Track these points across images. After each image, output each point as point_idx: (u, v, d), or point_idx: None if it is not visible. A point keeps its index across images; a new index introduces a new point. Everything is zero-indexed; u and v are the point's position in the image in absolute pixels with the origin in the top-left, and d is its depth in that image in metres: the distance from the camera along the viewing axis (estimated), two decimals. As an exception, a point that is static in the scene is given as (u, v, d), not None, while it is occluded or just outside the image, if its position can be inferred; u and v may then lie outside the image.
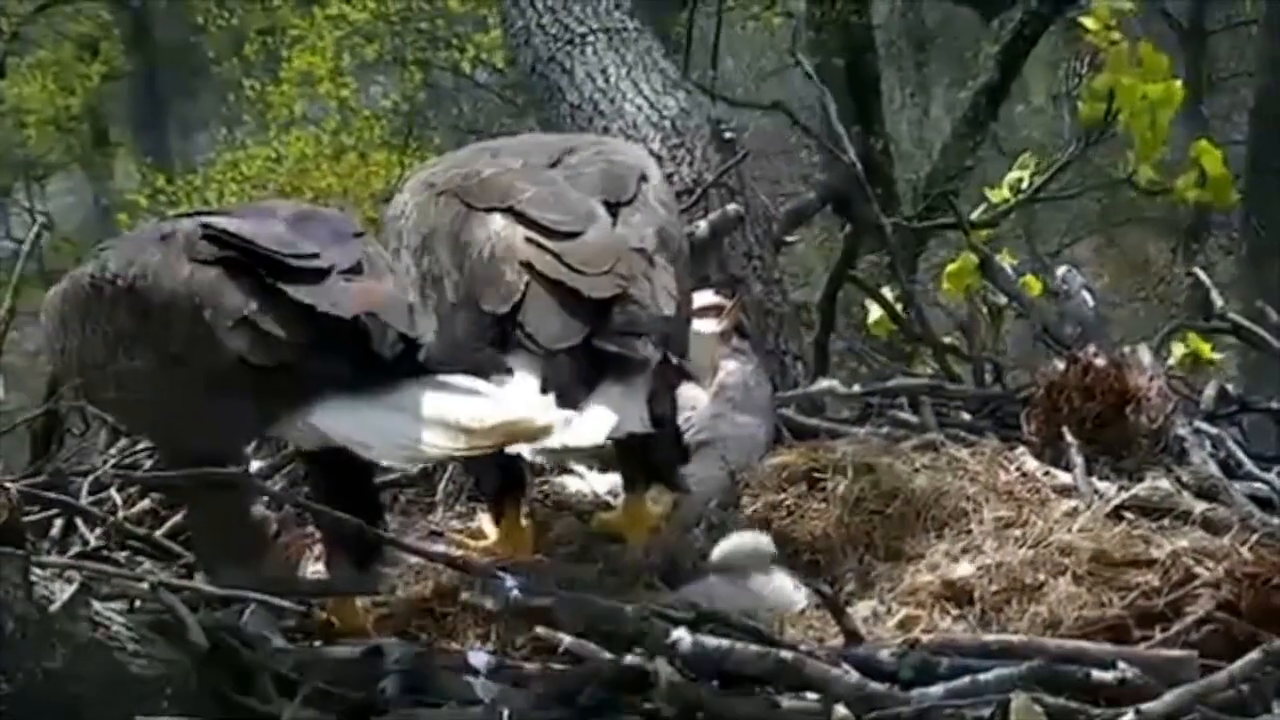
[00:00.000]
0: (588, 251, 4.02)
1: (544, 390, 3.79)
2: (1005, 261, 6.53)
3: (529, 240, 4.04)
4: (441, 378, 3.72)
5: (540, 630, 3.60)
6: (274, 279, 3.77)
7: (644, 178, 4.36)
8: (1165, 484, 4.42)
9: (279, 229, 3.95)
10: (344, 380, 3.71)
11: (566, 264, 3.98)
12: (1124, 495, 4.35)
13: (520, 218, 4.10)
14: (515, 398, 3.71)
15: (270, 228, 3.95)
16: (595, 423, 3.78)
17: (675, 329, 4.11)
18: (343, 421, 3.71)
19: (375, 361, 3.71)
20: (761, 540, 4.12)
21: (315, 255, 3.85)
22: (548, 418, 3.68)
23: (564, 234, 4.06)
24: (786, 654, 3.45)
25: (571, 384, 3.82)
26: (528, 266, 3.98)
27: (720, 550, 4.10)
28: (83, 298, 4.00)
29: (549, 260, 3.99)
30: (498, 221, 4.11)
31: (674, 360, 4.08)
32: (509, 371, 3.78)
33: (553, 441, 3.71)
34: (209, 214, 4.12)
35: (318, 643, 3.79)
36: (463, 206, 4.20)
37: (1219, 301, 6.20)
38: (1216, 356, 6.46)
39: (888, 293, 6.74)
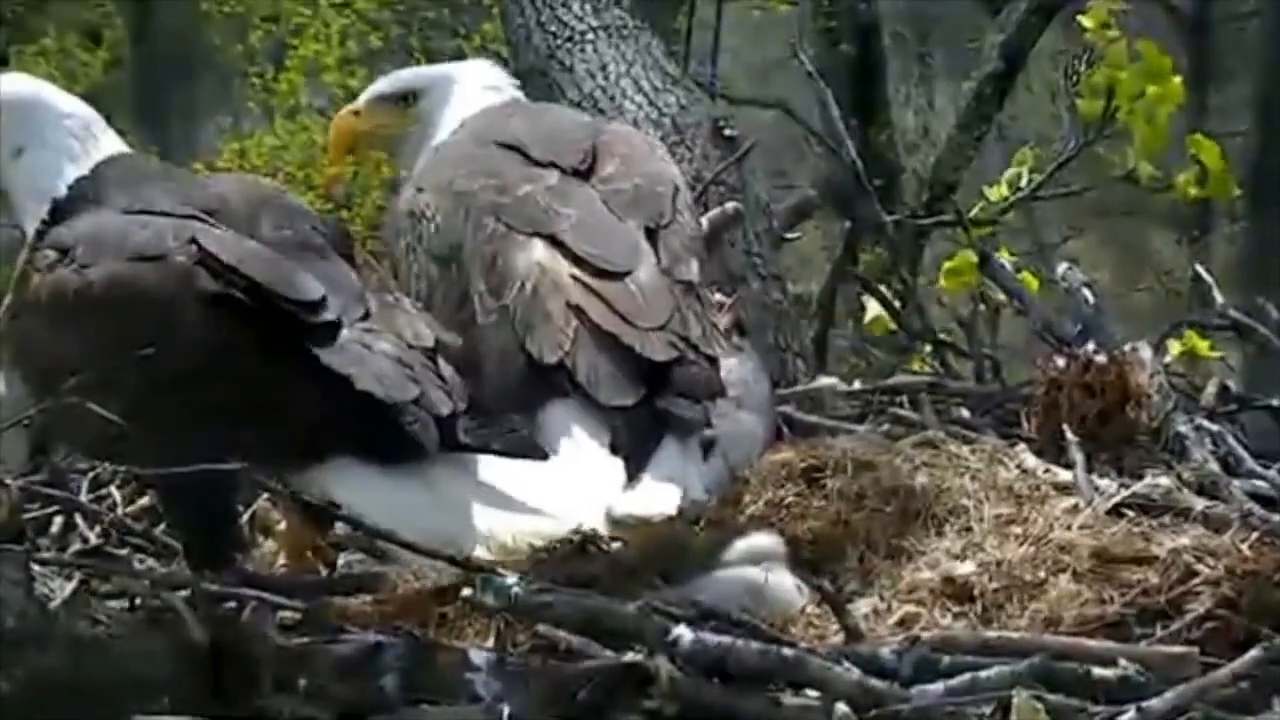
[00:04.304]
0: (640, 301, 3.93)
1: (613, 452, 3.75)
2: (1003, 257, 6.53)
3: (575, 279, 3.94)
4: (483, 464, 3.68)
5: (541, 628, 3.61)
6: (287, 332, 3.70)
7: (676, 190, 4.29)
8: (1166, 481, 4.41)
9: (276, 260, 3.83)
10: (369, 452, 3.65)
11: (619, 313, 3.89)
12: (1124, 493, 4.34)
13: (563, 249, 4.00)
14: (570, 506, 3.67)
15: (267, 257, 3.83)
16: (662, 497, 3.74)
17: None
18: (362, 496, 3.65)
19: (408, 440, 3.65)
20: (778, 546, 4.12)
21: (322, 302, 3.76)
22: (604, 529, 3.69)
23: (611, 273, 3.97)
24: (787, 651, 3.44)
25: (630, 442, 3.78)
26: (576, 310, 3.90)
27: (734, 552, 4.10)
28: (60, 307, 3.85)
29: (600, 307, 3.90)
30: (539, 250, 4.01)
31: None
32: (544, 456, 3.70)
33: (619, 512, 3.71)
34: (183, 215, 3.95)
35: (318, 639, 3.79)
36: (498, 224, 4.09)
37: (1220, 299, 6.20)
38: (1215, 354, 6.45)
39: (886, 290, 6.75)
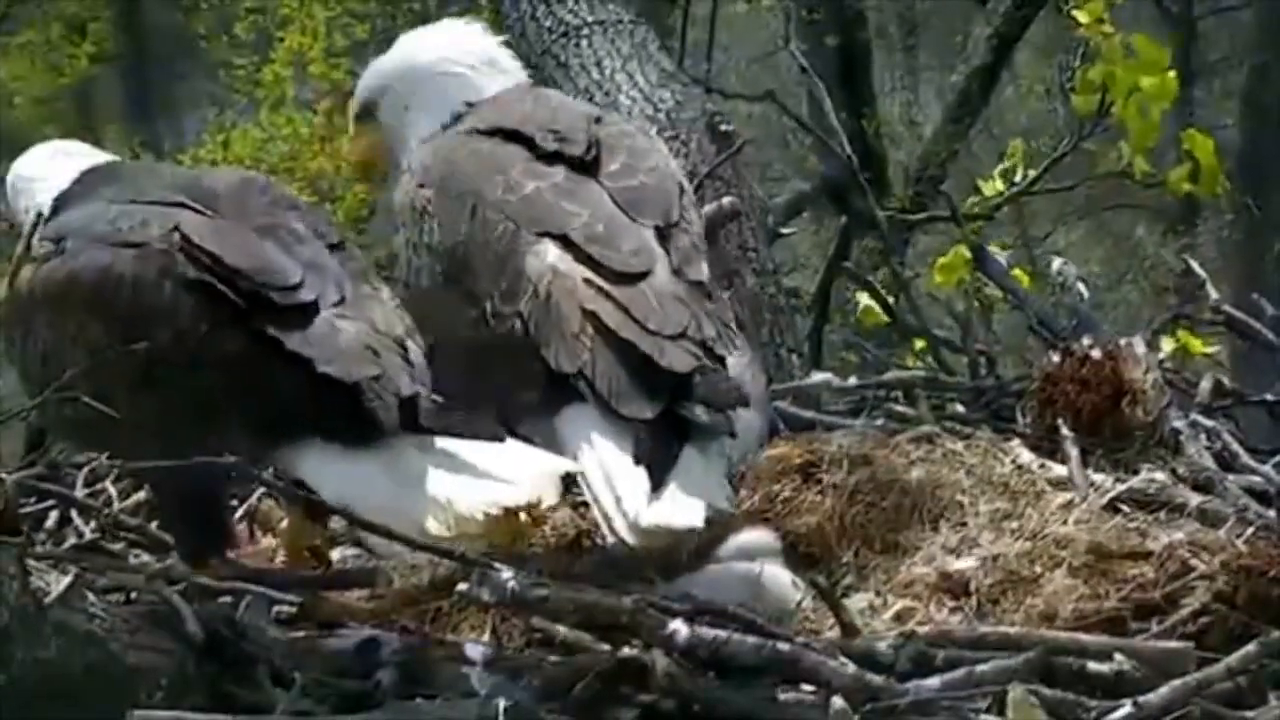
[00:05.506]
0: (654, 306, 3.87)
1: (637, 461, 3.71)
2: (997, 251, 6.53)
3: (588, 283, 3.87)
4: (444, 443, 3.68)
5: (537, 622, 3.61)
6: (261, 317, 3.71)
7: (681, 188, 4.24)
8: (1161, 476, 4.43)
9: (257, 245, 3.86)
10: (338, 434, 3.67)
11: (636, 320, 3.83)
12: (1120, 488, 4.35)
13: (575, 250, 3.93)
14: (527, 476, 3.64)
15: (248, 242, 3.86)
16: (687, 508, 3.69)
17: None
18: (322, 475, 3.68)
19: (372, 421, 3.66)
20: (774, 541, 4.12)
21: (299, 285, 3.78)
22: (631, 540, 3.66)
23: (625, 276, 3.91)
24: (783, 646, 3.45)
25: (652, 453, 3.73)
26: (592, 317, 3.83)
27: (730, 547, 4.09)
28: (50, 302, 3.88)
29: (616, 314, 3.83)
30: (552, 253, 3.93)
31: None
32: (503, 439, 3.68)
33: (645, 522, 3.67)
34: (171, 204, 3.97)
35: (314, 633, 3.79)
36: (507, 224, 4.01)
37: (1213, 294, 6.20)
38: (1209, 350, 6.46)
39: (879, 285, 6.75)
